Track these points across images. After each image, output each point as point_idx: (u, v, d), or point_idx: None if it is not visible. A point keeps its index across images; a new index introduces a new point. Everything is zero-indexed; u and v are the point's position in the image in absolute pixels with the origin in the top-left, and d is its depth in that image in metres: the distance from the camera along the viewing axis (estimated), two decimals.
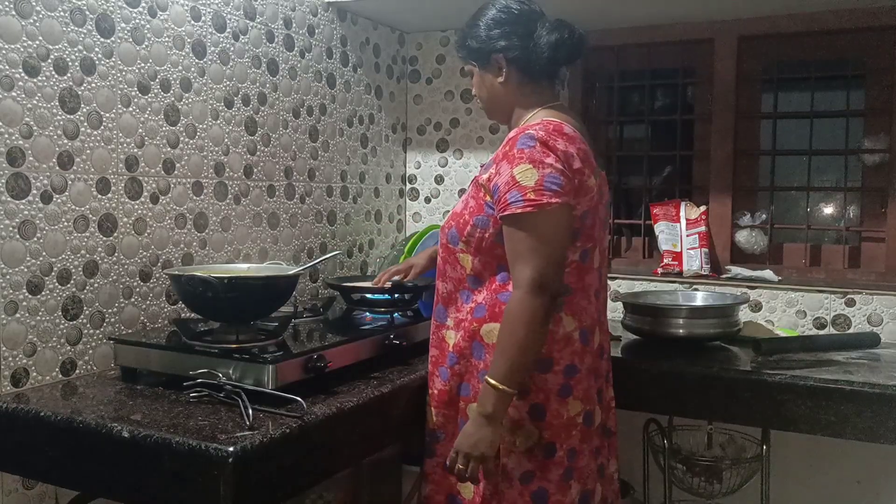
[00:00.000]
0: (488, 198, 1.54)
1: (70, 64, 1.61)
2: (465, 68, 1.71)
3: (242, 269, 1.89)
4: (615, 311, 2.40)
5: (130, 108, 1.75)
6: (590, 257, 1.59)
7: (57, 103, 1.59)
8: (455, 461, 1.51)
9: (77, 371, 1.66)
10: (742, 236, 2.58)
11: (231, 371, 1.49)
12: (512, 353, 1.46)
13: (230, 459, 1.20)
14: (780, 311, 2.35)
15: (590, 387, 1.61)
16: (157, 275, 1.84)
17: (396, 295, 2.02)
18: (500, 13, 1.63)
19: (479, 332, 1.58)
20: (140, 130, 1.78)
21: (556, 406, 1.56)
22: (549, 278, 1.46)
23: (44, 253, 1.58)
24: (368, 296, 2.06)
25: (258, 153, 2.15)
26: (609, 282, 2.53)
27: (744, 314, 2.27)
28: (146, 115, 1.79)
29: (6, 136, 1.50)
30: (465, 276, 1.61)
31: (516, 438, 1.55)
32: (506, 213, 1.48)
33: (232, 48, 2.04)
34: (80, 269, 1.65)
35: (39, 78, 1.55)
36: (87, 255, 1.67)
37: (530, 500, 1.56)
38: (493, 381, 1.47)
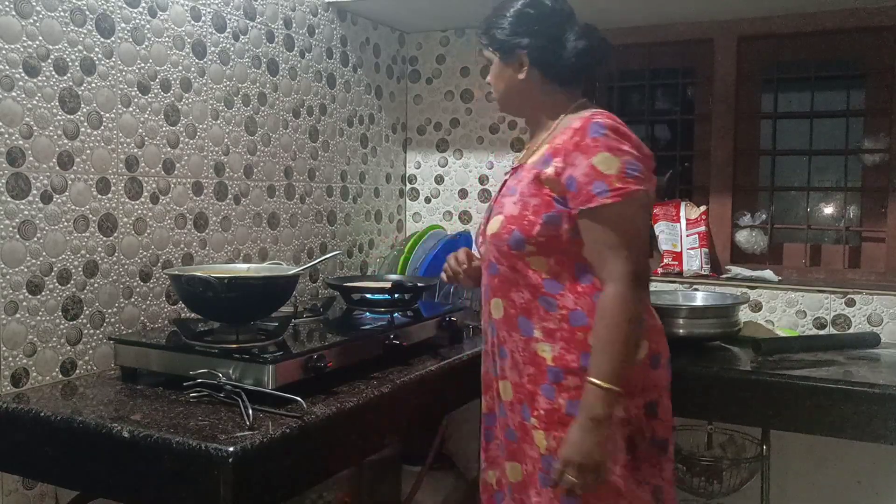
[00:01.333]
0: (555, 193, 1.47)
1: (70, 64, 1.61)
2: (483, 53, 1.65)
3: (242, 269, 1.89)
4: None
5: (130, 108, 1.75)
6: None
7: (57, 103, 1.59)
8: (563, 473, 1.41)
9: (77, 371, 1.66)
10: (742, 236, 2.58)
11: (231, 371, 1.48)
12: (616, 349, 1.39)
13: (230, 459, 1.20)
14: (781, 311, 2.35)
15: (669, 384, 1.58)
16: (157, 275, 1.84)
17: (396, 295, 2.02)
18: (529, 7, 1.56)
19: (586, 341, 1.46)
20: (140, 130, 1.78)
21: (666, 402, 1.53)
22: (643, 268, 1.43)
23: (44, 253, 1.58)
24: (368, 296, 2.06)
25: (258, 153, 2.15)
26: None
27: (744, 314, 2.27)
28: (146, 115, 1.79)
29: (6, 136, 1.50)
30: (541, 281, 1.49)
31: (644, 443, 1.49)
32: (591, 205, 1.40)
33: (232, 48, 2.04)
34: (80, 269, 1.66)
35: (39, 78, 1.55)
36: (87, 255, 1.67)
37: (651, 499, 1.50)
38: (599, 382, 1.38)
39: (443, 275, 1.78)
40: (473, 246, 1.72)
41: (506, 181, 1.64)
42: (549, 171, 1.47)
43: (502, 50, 1.59)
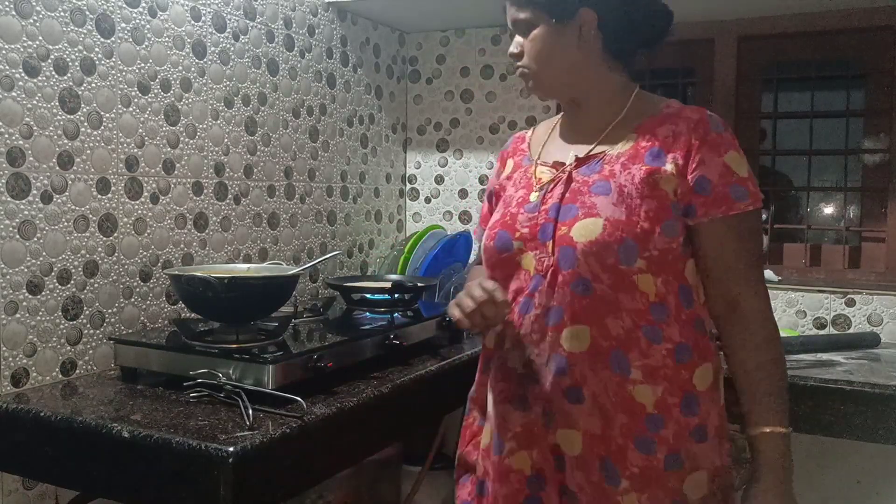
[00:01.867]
0: (674, 197, 1.20)
1: (70, 64, 1.61)
2: (518, 15, 1.26)
3: (242, 269, 1.89)
4: None
5: (130, 109, 1.75)
6: None
7: (57, 103, 1.59)
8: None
9: (77, 371, 1.66)
10: None
11: (231, 371, 1.48)
12: (785, 384, 1.23)
13: (230, 459, 1.20)
14: (780, 310, 2.35)
15: None
16: (158, 275, 1.84)
17: (396, 295, 2.02)
18: None
19: (691, 381, 1.21)
20: (140, 130, 1.78)
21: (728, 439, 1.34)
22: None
23: (44, 253, 1.58)
24: (368, 296, 2.06)
25: (258, 153, 2.15)
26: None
27: None
28: (146, 115, 1.79)
29: (6, 136, 1.50)
30: (647, 307, 1.19)
31: (735, 494, 1.33)
32: (731, 212, 1.19)
33: (232, 48, 2.04)
34: (80, 269, 1.65)
35: (39, 78, 1.55)
36: (87, 256, 1.67)
37: None
38: (783, 429, 1.22)
39: (461, 319, 1.24)
40: (475, 250, 1.46)
41: (569, 175, 1.27)
42: (668, 167, 1.20)
43: (558, 7, 1.23)
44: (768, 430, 1.22)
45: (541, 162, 1.34)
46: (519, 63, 1.31)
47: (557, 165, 1.30)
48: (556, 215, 1.24)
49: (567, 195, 1.25)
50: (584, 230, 1.20)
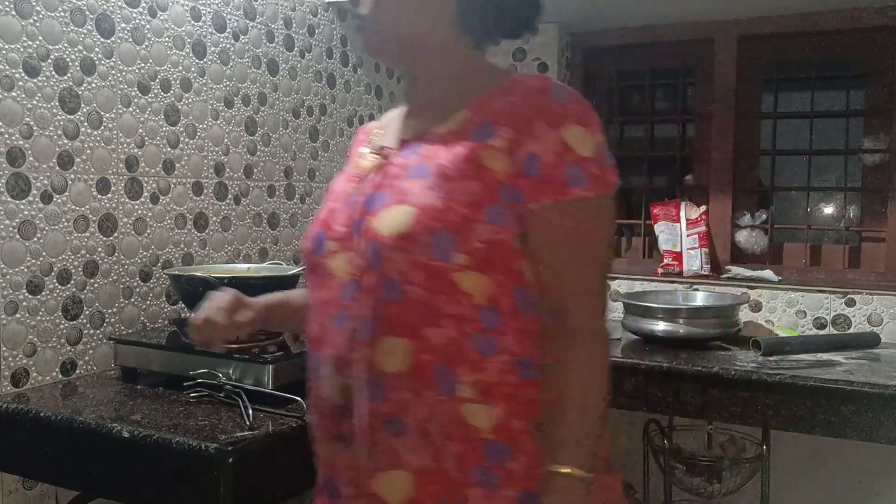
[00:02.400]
0: (504, 179, 0.94)
1: (70, 64, 1.61)
2: None
3: (242, 269, 1.89)
4: (615, 311, 2.40)
5: (130, 109, 1.75)
6: None
7: (57, 103, 1.59)
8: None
9: (77, 371, 1.66)
10: (742, 236, 2.58)
11: (231, 371, 1.48)
12: (598, 426, 0.97)
13: (230, 459, 1.20)
14: (780, 311, 2.35)
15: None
16: (158, 275, 1.83)
17: None
18: None
19: (536, 401, 0.97)
20: (140, 130, 1.78)
21: None
22: (603, 313, 0.99)
23: (44, 253, 1.58)
24: None
25: (258, 153, 2.15)
26: (609, 282, 2.54)
27: (744, 314, 2.27)
28: (146, 115, 1.79)
29: (6, 136, 1.50)
30: (473, 311, 0.94)
31: None
32: (565, 197, 0.93)
33: (232, 48, 2.04)
34: (80, 269, 1.65)
35: (39, 78, 1.55)
36: (88, 256, 1.67)
37: None
38: (582, 473, 0.94)
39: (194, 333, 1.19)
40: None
41: (385, 158, 1.04)
42: (496, 143, 0.95)
43: None
44: (567, 471, 0.94)
45: (370, 149, 1.10)
46: (358, 9, 1.04)
47: (382, 151, 1.06)
48: (365, 207, 1.00)
49: (383, 182, 1.02)
50: (390, 221, 0.95)
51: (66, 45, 1.60)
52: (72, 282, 1.64)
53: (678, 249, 2.55)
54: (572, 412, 0.95)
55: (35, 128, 1.55)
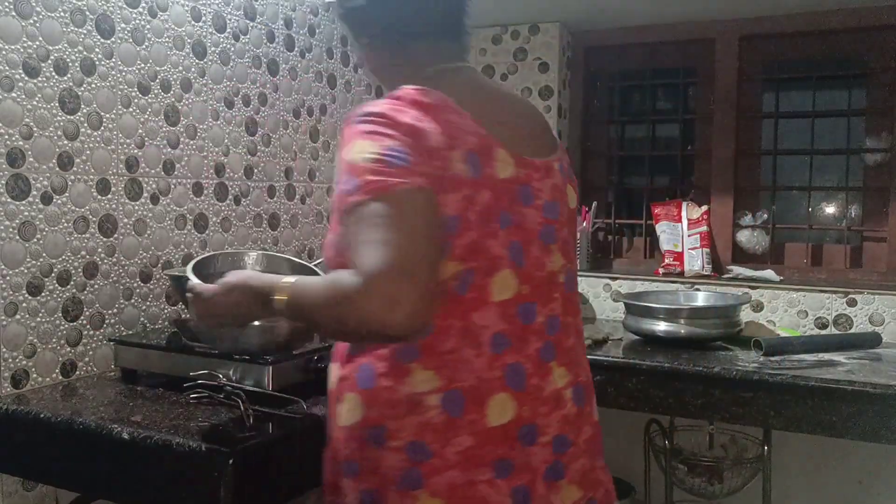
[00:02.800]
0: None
1: (70, 64, 1.61)
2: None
3: None
4: (616, 311, 2.40)
5: (130, 109, 1.75)
6: (476, 285, 1.04)
7: (57, 104, 1.59)
8: (193, 295, 1.18)
9: (77, 372, 1.66)
10: (743, 236, 2.57)
11: (231, 372, 1.48)
12: (311, 314, 1.03)
13: (230, 460, 1.20)
14: (782, 311, 2.35)
15: (469, 483, 1.03)
16: (158, 276, 1.83)
17: None
18: None
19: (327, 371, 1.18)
20: (140, 131, 1.78)
21: (396, 499, 1.04)
22: (400, 283, 0.91)
23: (44, 254, 1.58)
24: None
25: (258, 153, 2.15)
26: (610, 282, 2.53)
27: (745, 314, 2.26)
28: (146, 116, 1.79)
29: (6, 137, 1.49)
30: None
31: None
32: (344, 207, 1.00)
33: (232, 48, 2.03)
34: (80, 270, 1.65)
35: (39, 79, 1.55)
36: (88, 256, 1.67)
37: None
38: (284, 295, 1.04)
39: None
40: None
41: None
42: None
43: (354, 29, 1.24)
44: (288, 284, 1.05)
45: None
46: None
47: None
48: None
49: None
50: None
51: (66, 45, 1.60)
52: (72, 283, 1.64)
53: (679, 249, 2.54)
54: (318, 294, 1.01)
55: (35, 128, 1.54)
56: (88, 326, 1.68)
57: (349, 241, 0.97)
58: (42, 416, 1.40)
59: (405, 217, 0.96)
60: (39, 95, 1.55)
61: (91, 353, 1.69)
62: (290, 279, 1.06)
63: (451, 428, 1.04)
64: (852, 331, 2.26)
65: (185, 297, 1.25)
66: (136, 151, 1.77)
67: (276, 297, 1.04)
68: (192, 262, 1.38)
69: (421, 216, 0.98)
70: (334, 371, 1.13)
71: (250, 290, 1.09)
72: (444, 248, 1.02)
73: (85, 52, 1.64)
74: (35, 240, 1.56)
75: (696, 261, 2.51)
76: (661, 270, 2.55)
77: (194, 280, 1.22)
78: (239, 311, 1.12)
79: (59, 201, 1.60)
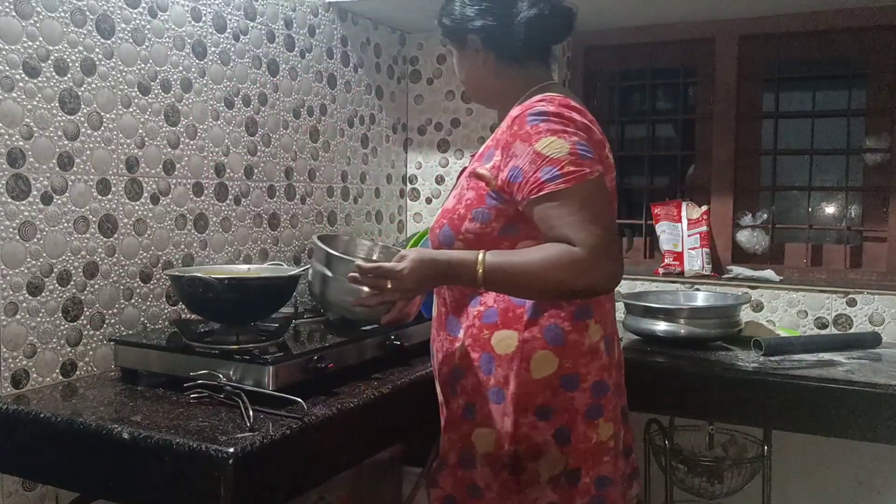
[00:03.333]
0: (490, 188, 1.36)
1: (70, 65, 1.61)
2: (443, 47, 1.59)
3: (243, 269, 1.89)
4: (616, 311, 2.40)
5: (131, 109, 1.75)
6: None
7: (57, 104, 1.59)
8: (369, 273, 1.33)
9: (77, 372, 1.66)
10: (743, 236, 2.57)
11: (231, 372, 1.48)
12: (524, 278, 1.27)
13: (230, 461, 1.20)
14: (782, 310, 2.35)
15: (616, 405, 1.45)
16: (158, 276, 1.83)
17: None
18: None
19: (489, 341, 1.40)
20: (140, 131, 1.78)
21: (583, 429, 1.38)
22: (611, 256, 1.25)
23: (44, 254, 1.58)
24: None
25: (259, 154, 2.15)
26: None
27: (745, 314, 2.27)
28: (146, 116, 1.79)
29: (6, 137, 1.50)
30: None
31: (540, 466, 1.38)
32: (542, 192, 1.27)
33: (232, 48, 2.03)
34: (80, 270, 1.65)
35: (40, 79, 1.55)
36: (88, 256, 1.67)
37: None
38: (483, 268, 1.29)
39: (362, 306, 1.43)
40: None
41: (463, 171, 1.54)
42: (488, 165, 1.37)
43: (455, 38, 1.48)
44: (481, 255, 1.30)
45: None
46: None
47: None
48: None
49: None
50: (435, 222, 1.48)
51: (66, 45, 1.60)
52: (72, 283, 1.64)
53: (679, 249, 2.54)
54: (529, 259, 1.27)
55: (35, 129, 1.54)
56: (88, 326, 1.68)
57: (553, 220, 1.26)
58: (42, 416, 1.40)
59: (601, 199, 1.28)
60: (40, 95, 1.55)
61: (91, 353, 1.69)
62: (477, 252, 1.31)
63: (612, 366, 1.43)
64: (852, 331, 2.26)
65: (324, 276, 1.63)
66: (136, 151, 1.77)
67: (477, 268, 1.29)
68: (317, 236, 1.73)
69: (607, 197, 1.31)
70: (506, 337, 1.38)
71: (441, 264, 1.32)
72: None
73: (85, 53, 1.64)
74: (35, 240, 1.56)
75: (695, 261, 2.51)
76: (660, 270, 2.55)
77: (362, 262, 1.38)
78: (430, 284, 1.36)
79: (60, 201, 1.60)
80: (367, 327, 1.77)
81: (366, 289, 1.37)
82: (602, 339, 1.41)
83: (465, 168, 1.53)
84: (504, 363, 1.37)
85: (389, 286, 1.31)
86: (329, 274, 1.68)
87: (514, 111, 1.37)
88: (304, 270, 1.80)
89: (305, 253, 2.35)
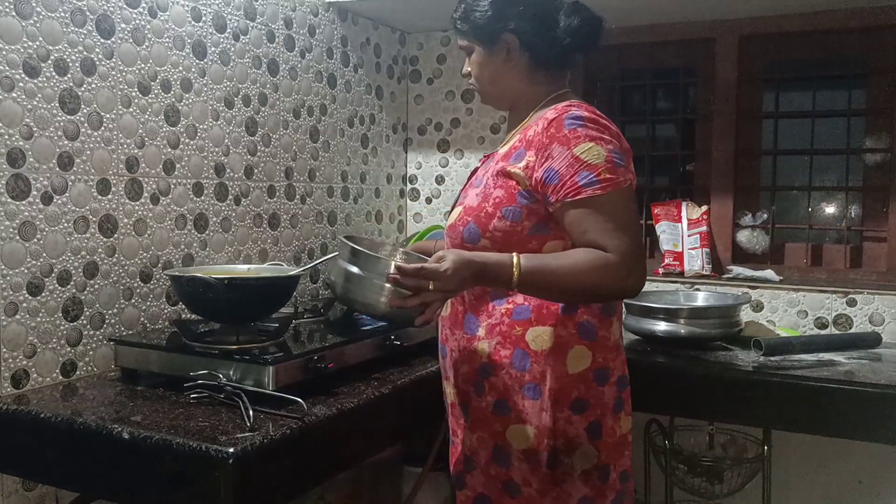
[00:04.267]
0: (522, 187, 1.37)
1: (70, 65, 1.61)
2: (460, 43, 1.50)
3: (243, 269, 1.89)
4: None
5: (131, 109, 1.75)
6: None
7: (57, 104, 1.59)
8: (411, 273, 1.29)
9: (77, 372, 1.66)
10: (743, 236, 2.57)
11: (231, 372, 1.48)
12: (559, 282, 1.30)
13: (231, 461, 1.20)
14: (782, 310, 2.35)
15: (630, 400, 1.50)
16: (158, 276, 1.83)
17: None
18: None
19: (523, 337, 1.40)
20: (140, 131, 1.78)
21: (611, 423, 1.42)
22: (640, 263, 1.33)
23: (44, 254, 1.58)
24: None
25: (259, 154, 2.15)
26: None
27: (745, 314, 2.27)
28: (146, 116, 1.79)
29: (6, 137, 1.50)
30: None
31: (574, 460, 1.40)
32: (579, 196, 1.30)
33: (232, 48, 2.03)
34: (80, 270, 1.65)
35: (40, 79, 1.55)
36: (88, 256, 1.67)
37: None
38: (519, 271, 1.30)
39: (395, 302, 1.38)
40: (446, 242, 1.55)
41: (476, 170, 1.55)
42: (520, 164, 1.38)
43: (485, 37, 1.45)
44: (517, 257, 1.32)
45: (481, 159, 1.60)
46: (469, 81, 1.53)
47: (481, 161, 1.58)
48: (454, 206, 1.52)
49: (466, 188, 1.52)
50: (452, 216, 1.48)
51: (66, 45, 1.60)
52: (72, 283, 1.64)
53: (679, 249, 2.54)
54: (566, 264, 1.30)
55: (35, 129, 1.54)
56: (88, 326, 1.68)
57: (588, 224, 1.30)
58: (42, 416, 1.40)
59: (632, 207, 1.34)
60: (40, 95, 1.55)
61: (91, 353, 1.69)
62: (511, 256, 1.32)
63: (625, 361, 1.48)
64: (852, 331, 2.26)
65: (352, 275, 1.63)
66: (136, 151, 1.77)
67: (513, 271, 1.30)
68: (356, 247, 1.67)
69: (636, 205, 1.36)
70: (542, 333, 1.39)
71: (478, 265, 1.31)
72: None
73: (85, 53, 1.64)
74: (35, 240, 1.56)
75: (696, 261, 2.51)
76: (661, 270, 2.55)
77: (402, 264, 1.34)
78: (468, 285, 1.35)
79: (60, 201, 1.60)
80: (373, 325, 1.77)
81: (401, 290, 1.33)
82: (621, 335, 1.48)
83: (476, 168, 1.55)
84: (540, 359, 1.39)
85: (431, 287, 1.29)
86: (358, 272, 1.65)
87: (549, 114, 1.38)
88: (304, 270, 1.80)
89: (306, 252, 2.35)
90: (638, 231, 1.35)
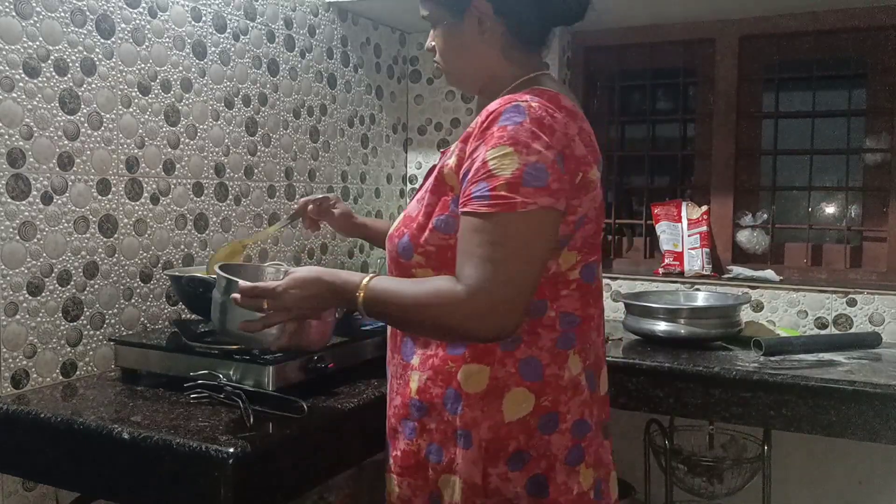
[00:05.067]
0: (454, 192, 1.14)
1: (70, 65, 1.61)
2: (424, 14, 1.27)
3: None
4: (616, 311, 2.40)
5: (131, 109, 1.75)
6: (595, 276, 1.21)
7: (57, 104, 1.59)
8: (247, 293, 1.17)
9: (77, 372, 1.66)
10: (743, 236, 2.57)
11: (231, 372, 1.48)
12: (401, 312, 1.12)
13: (231, 461, 1.20)
14: (782, 310, 2.35)
15: (597, 449, 1.21)
16: (158, 276, 1.83)
17: None
18: None
19: (455, 375, 1.16)
20: (140, 131, 1.78)
21: (562, 478, 1.16)
22: (500, 307, 1.04)
23: (44, 254, 1.58)
24: None
25: (259, 154, 2.15)
26: (610, 282, 2.53)
27: (745, 314, 2.27)
28: (146, 116, 1.79)
29: (6, 137, 1.50)
30: None
31: None
32: (464, 209, 1.08)
33: (232, 48, 2.03)
34: (80, 270, 1.65)
35: (40, 79, 1.55)
36: (88, 257, 1.67)
37: None
38: (364, 293, 1.12)
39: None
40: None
41: (433, 168, 1.27)
42: (451, 162, 1.15)
43: (453, 6, 1.21)
44: (369, 280, 1.13)
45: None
46: (434, 58, 1.30)
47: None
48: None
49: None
50: (393, 225, 1.25)
51: (66, 45, 1.60)
52: (72, 283, 1.64)
53: (679, 249, 2.54)
54: (410, 293, 1.10)
55: (35, 129, 1.54)
56: (88, 326, 1.68)
57: (462, 244, 1.07)
58: (42, 416, 1.40)
59: (522, 239, 1.05)
60: (40, 95, 1.55)
61: (91, 353, 1.69)
62: (365, 276, 1.14)
63: (594, 401, 1.21)
64: (852, 331, 2.26)
65: (223, 297, 1.26)
66: (136, 151, 1.77)
67: (357, 293, 1.12)
68: (218, 265, 1.37)
69: (537, 238, 1.07)
70: (476, 372, 1.15)
71: (325, 284, 1.16)
72: (573, 245, 1.15)
73: (85, 53, 1.64)
74: (35, 240, 1.56)
75: (696, 261, 2.51)
76: (661, 270, 2.55)
77: (242, 282, 1.21)
78: (313, 304, 1.19)
79: (60, 201, 1.60)
80: (373, 325, 1.76)
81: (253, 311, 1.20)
82: (583, 371, 1.18)
83: (434, 165, 1.27)
84: (473, 403, 1.15)
85: (266, 306, 1.17)
86: (222, 300, 1.31)
87: (493, 104, 1.13)
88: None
89: (305, 252, 2.35)
90: (524, 267, 1.05)
